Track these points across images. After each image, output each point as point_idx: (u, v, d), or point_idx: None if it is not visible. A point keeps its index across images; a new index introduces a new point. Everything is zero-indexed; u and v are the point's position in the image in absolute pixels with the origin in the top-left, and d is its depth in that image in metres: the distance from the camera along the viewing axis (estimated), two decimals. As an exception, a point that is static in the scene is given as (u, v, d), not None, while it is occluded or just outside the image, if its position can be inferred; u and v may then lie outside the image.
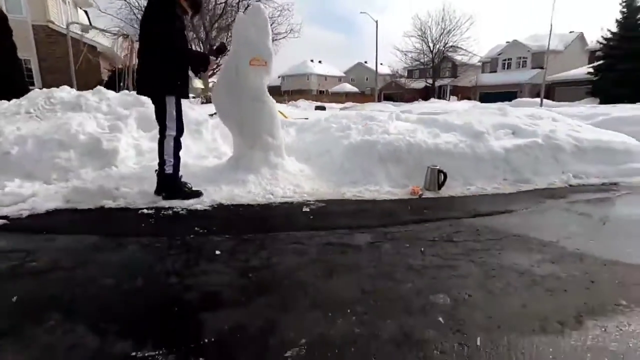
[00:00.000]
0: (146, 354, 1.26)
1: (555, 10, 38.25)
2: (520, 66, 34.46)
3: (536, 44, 32.24)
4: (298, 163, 4.31)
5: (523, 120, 5.05)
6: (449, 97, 32.65)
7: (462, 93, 34.13)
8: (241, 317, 1.49)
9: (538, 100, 20.22)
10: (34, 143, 3.71)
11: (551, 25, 21.95)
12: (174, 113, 3.20)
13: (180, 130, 3.28)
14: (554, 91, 28.74)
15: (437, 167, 3.85)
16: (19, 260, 1.98)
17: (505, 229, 2.67)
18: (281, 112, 5.62)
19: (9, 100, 4.82)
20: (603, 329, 1.46)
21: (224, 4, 14.66)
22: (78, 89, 5.53)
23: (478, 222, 2.83)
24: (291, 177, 3.89)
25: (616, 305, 1.64)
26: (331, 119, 5.53)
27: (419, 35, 36.72)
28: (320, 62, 60.00)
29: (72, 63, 8.99)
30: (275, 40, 16.95)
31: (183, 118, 3.33)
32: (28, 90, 5.57)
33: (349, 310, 1.56)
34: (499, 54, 36.70)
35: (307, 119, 6.27)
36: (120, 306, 1.58)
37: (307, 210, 3.03)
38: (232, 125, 3.99)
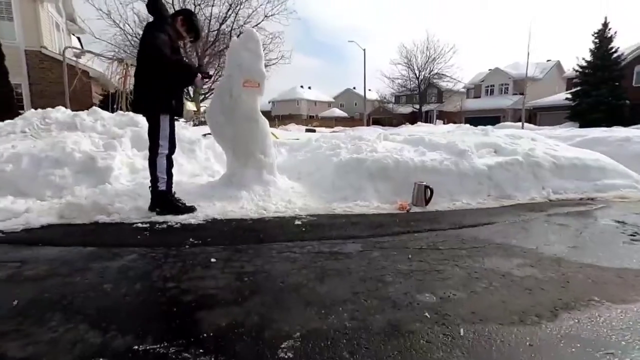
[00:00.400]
0: (147, 347, 1.32)
1: (532, 40, 40.35)
2: (503, 92, 35.87)
3: (516, 72, 33.76)
4: (289, 181, 4.43)
5: (504, 140, 5.31)
6: (436, 122, 33.58)
7: (448, 118, 35.16)
8: (238, 315, 1.56)
9: (520, 124, 20.99)
10: (29, 161, 3.76)
11: (528, 54, 23.21)
12: (167, 131, 3.31)
13: (172, 148, 3.38)
14: (537, 116, 29.93)
15: (424, 183, 4.01)
16: (16, 269, 2.02)
17: (489, 238, 2.81)
18: (273, 133, 5.79)
19: None
20: (576, 321, 1.57)
21: (216, 32, 15.16)
22: (72, 111, 5.63)
23: (463, 232, 2.97)
24: (283, 194, 4.00)
25: (589, 301, 1.76)
26: (321, 139, 5.72)
27: (405, 63, 38.20)
28: (309, 87, 61.37)
29: (66, 87, 9.12)
30: (267, 66, 17.44)
31: (175, 137, 3.45)
32: (18, 115, 5.60)
33: (340, 308, 1.64)
34: (482, 81, 38.24)
35: (298, 139, 6.46)
36: (120, 307, 1.63)
37: (299, 223, 3.13)
38: (226, 144, 4.12)
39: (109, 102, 9.31)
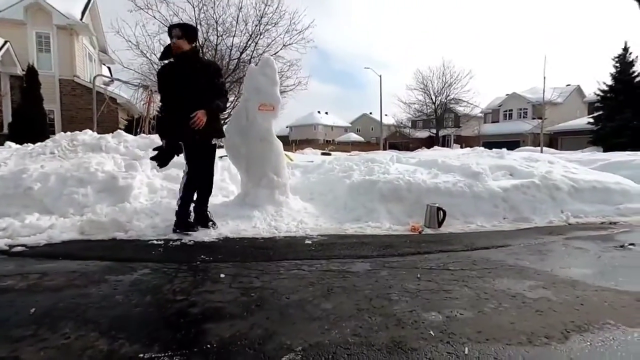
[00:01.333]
0: (152, 356, 1.36)
1: (549, 65, 40.18)
2: (521, 117, 35.46)
3: (535, 96, 33.42)
4: (302, 202, 4.48)
5: (519, 162, 5.25)
6: (452, 146, 33.34)
7: (466, 142, 34.84)
8: (242, 327, 1.58)
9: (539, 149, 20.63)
10: (55, 180, 3.97)
11: (544, 79, 23.16)
12: (184, 155, 3.43)
13: (190, 171, 3.43)
14: (558, 141, 29.38)
15: (437, 205, 3.99)
16: (36, 280, 2.12)
17: (501, 260, 2.75)
18: (287, 155, 5.92)
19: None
20: (588, 343, 1.52)
21: (237, 60, 15.83)
22: (98, 134, 5.94)
23: (475, 254, 2.91)
24: (295, 214, 4.04)
25: (603, 324, 1.69)
26: (334, 162, 5.80)
27: (421, 89, 38.39)
28: (327, 113, 62.41)
29: (94, 111, 9.67)
30: (284, 92, 17.93)
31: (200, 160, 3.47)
32: (48, 138, 5.94)
33: (344, 324, 1.64)
34: (500, 105, 38.03)
35: (312, 161, 6.55)
36: (130, 317, 1.68)
37: (309, 242, 3.15)
38: (241, 164, 4.25)
39: (133, 127, 9.76)
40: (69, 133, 5.16)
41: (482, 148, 8.11)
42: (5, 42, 12.77)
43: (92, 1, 17.13)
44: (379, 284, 2.18)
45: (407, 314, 1.75)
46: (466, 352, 1.43)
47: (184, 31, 3.30)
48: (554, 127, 29.19)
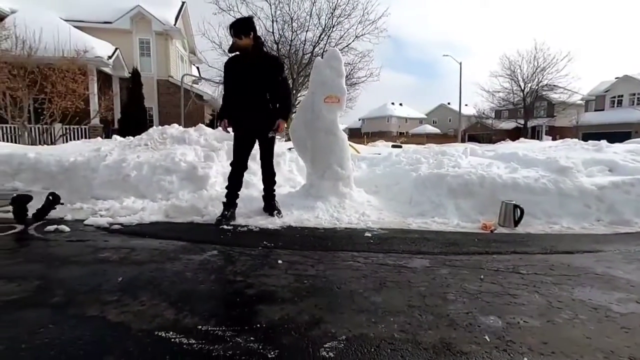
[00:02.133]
0: (209, 329, 1.49)
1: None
2: (634, 103, 30.28)
3: (654, 79, 28.26)
4: (366, 194, 4.45)
5: (622, 156, 4.51)
6: (543, 138, 29.83)
7: (561, 134, 30.89)
8: (290, 312, 1.65)
9: (658, 140, 17.41)
10: (148, 168, 4.52)
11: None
12: (233, 146, 3.70)
13: (234, 160, 3.66)
14: (684, 131, 24.54)
15: (513, 202, 3.64)
16: (126, 254, 2.46)
17: (587, 266, 2.42)
18: (353, 147, 5.90)
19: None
20: (688, 372, 1.27)
21: (310, 54, 16.16)
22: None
23: (554, 258, 2.61)
24: (358, 206, 4.04)
25: None
26: (402, 154, 5.62)
27: (507, 75, 34.83)
28: (400, 104, 60.58)
29: (182, 107, 10.74)
30: (356, 84, 17.85)
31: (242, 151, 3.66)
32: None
33: (392, 319, 1.61)
34: (606, 91, 32.84)
35: (379, 154, 6.44)
36: (195, 292, 1.87)
37: (369, 235, 3.13)
38: (306, 156, 4.36)
39: (214, 121, 10.62)
40: (159, 127, 5.82)
41: (575, 140, 7.13)
42: (116, 49, 14.77)
43: (184, 7, 18.93)
44: (435, 281, 2.08)
45: (462, 316, 1.65)
46: (524, 363, 1.30)
47: (232, 29, 3.42)
48: (680, 115, 24.35)
